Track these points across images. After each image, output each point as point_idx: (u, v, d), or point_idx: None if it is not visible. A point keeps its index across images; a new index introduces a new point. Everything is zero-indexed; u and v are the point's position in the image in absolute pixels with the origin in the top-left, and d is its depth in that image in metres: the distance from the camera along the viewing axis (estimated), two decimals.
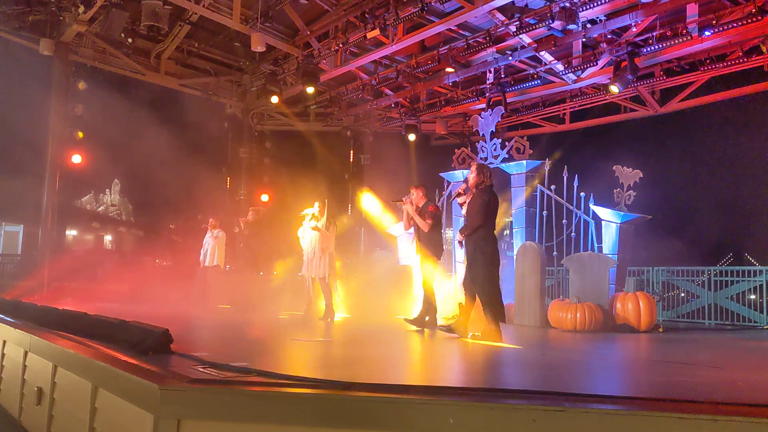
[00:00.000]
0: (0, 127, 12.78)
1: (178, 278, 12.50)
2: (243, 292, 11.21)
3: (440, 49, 12.67)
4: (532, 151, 10.30)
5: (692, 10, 9.83)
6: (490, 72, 13.14)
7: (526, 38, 11.22)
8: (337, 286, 9.95)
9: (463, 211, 6.87)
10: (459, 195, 7.06)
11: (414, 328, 7.63)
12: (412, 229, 8.24)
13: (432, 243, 7.87)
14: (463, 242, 6.82)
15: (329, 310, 9.19)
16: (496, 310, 6.46)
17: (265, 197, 16.97)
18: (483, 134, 11.21)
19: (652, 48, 10.46)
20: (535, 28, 10.44)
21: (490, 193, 6.65)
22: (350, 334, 7.55)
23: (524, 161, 10.28)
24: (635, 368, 5.07)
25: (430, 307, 7.81)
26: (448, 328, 6.80)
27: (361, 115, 16.72)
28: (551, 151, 12.14)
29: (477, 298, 6.63)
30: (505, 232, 11.29)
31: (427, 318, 7.77)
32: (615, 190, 9.38)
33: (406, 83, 13.77)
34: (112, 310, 7.37)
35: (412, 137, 15.62)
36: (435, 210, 7.93)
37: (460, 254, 10.52)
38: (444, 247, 10.32)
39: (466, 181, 7.02)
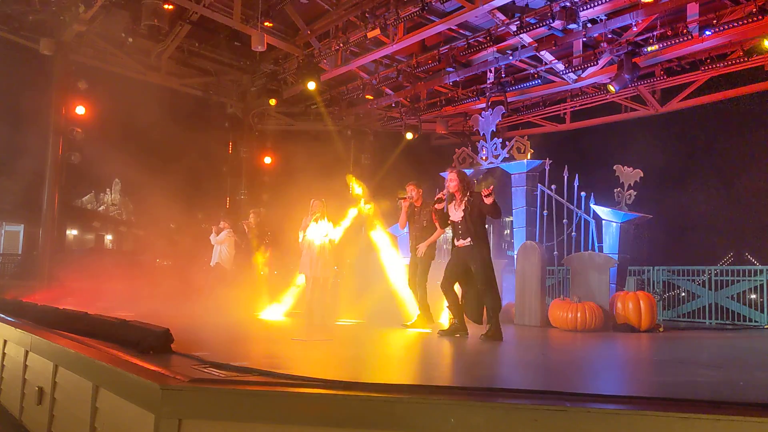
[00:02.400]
0: (0, 126, 12.78)
1: (180, 277, 12.49)
2: (243, 292, 11.22)
3: (441, 49, 12.67)
4: (532, 151, 10.30)
5: (693, 10, 9.83)
6: (491, 71, 13.14)
7: (526, 38, 11.22)
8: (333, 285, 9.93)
9: (455, 217, 6.77)
10: (440, 201, 6.95)
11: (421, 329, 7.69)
12: (407, 228, 8.29)
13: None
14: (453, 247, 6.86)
15: (328, 310, 9.29)
16: (499, 311, 6.58)
17: (265, 196, 16.92)
18: (483, 134, 11.21)
19: (653, 47, 10.46)
20: (536, 28, 10.44)
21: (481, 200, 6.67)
22: (351, 334, 7.55)
23: (525, 161, 10.28)
24: (636, 368, 5.07)
25: (422, 306, 7.89)
26: (449, 331, 6.80)
27: (361, 114, 16.71)
28: (552, 150, 12.13)
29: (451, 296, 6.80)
30: (505, 232, 11.28)
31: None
32: (615, 190, 9.37)
33: (407, 83, 13.77)
34: (112, 310, 7.37)
35: (409, 136, 15.63)
36: (436, 209, 7.95)
37: None
38: (444, 246, 10.36)
39: (447, 187, 6.92)
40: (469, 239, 6.61)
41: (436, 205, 6.93)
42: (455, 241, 6.81)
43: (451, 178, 6.80)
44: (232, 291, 11.22)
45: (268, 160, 17.35)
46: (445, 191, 6.94)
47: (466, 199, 6.67)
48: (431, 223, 7.68)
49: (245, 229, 11.61)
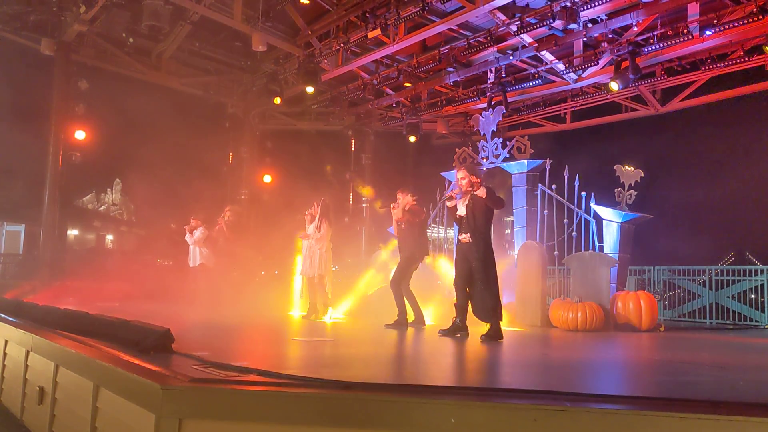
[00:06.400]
0: (1, 126, 12.79)
1: (180, 278, 12.49)
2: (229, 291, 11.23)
3: (441, 49, 12.66)
4: (533, 151, 10.29)
5: (693, 10, 9.82)
6: (491, 71, 13.13)
7: (527, 38, 11.21)
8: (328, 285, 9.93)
9: (460, 212, 6.78)
10: (450, 199, 6.93)
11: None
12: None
13: (412, 242, 8.18)
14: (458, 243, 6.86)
15: (324, 309, 9.33)
16: (499, 310, 6.58)
17: (266, 197, 16.99)
18: (484, 133, 11.20)
19: (654, 47, 10.46)
20: (536, 28, 10.43)
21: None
22: (351, 333, 7.55)
23: (525, 161, 10.27)
24: (636, 368, 5.07)
25: (413, 305, 8.14)
26: (450, 330, 6.78)
27: (362, 114, 16.71)
28: (552, 150, 12.13)
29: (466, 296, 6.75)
30: (506, 232, 11.28)
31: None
32: (616, 190, 9.37)
33: (408, 83, 13.78)
34: (113, 310, 7.38)
35: (412, 139, 15.64)
36: (414, 207, 8.27)
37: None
38: (444, 246, 10.41)
39: (458, 185, 6.90)
40: (469, 235, 6.61)
41: (447, 202, 6.93)
42: (459, 236, 6.84)
43: (462, 176, 6.75)
44: (223, 290, 11.22)
45: (268, 160, 17.39)
46: (457, 189, 6.85)
47: (470, 194, 6.65)
48: (408, 227, 8.23)
49: (222, 225, 11.44)
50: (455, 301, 6.84)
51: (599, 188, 9.80)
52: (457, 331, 6.74)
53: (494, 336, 6.37)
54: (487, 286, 6.53)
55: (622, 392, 3.50)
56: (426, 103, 15.08)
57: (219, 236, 11.51)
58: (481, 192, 6.45)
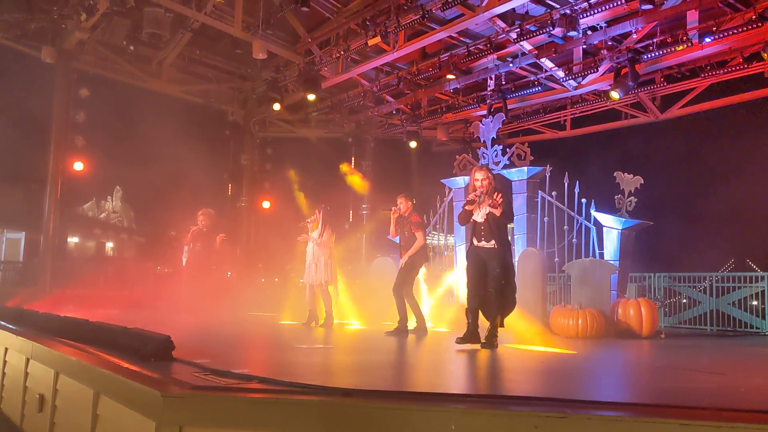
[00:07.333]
0: (1, 133, 12.82)
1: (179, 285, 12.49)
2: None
3: (441, 56, 12.70)
4: (533, 158, 10.31)
5: (692, 17, 9.85)
6: (491, 79, 13.17)
7: (526, 45, 11.24)
8: (338, 292, 9.95)
9: (477, 217, 6.62)
10: (471, 203, 6.57)
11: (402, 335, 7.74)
12: (397, 237, 8.61)
13: (418, 251, 8.19)
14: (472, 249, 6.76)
15: (329, 317, 9.28)
16: (503, 316, 6.60)
17: (266, 203, 17.03)
18: (484, 140, 11.22)
19: (653, 54, 10.49)
20: (536, 35, 10.46)
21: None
22: (351, 340, 7.54)
23: (525, 167, 10.28)
24: (637, 374, 5.07)
25: (415, 312, 8.14)
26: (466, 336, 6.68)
27: (362, 121, 16.74)
28: (552, 157, 12.13)
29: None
30: None
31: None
32: (616, 197, 9.37)
33: (407, 90, 13.82)
34: (113, 317, 7.37)
35: (413, 144, 15.67)
36: (420, 220, 8.34)
37: (461, 260, 10.49)
38: (445, 253, 10.43)
39: (474, 187, 6.71)
40: (493, 242, 6.41)
41: (467, 206, 6.60)
42: (476, 242, 6.54)
43: (483, 177, 6.49)
44: (219, 296, 11.21)
45: (269, 167, 17.42)
46: (478, 192, 6.49)
47: (491, 200, 6.49)
48: (411, 234, 8.19)
49: (202, 227, 11.20)
50: (467, 306, 6.71)
51: (599, 195, 9.81)
52: (470, 338, 6.62)
53: (491, 343, 6.32)
54: (506, 292, 6.49)
55: (623, 399, 3.50)
56: (426, 110, 15.12)
57: (195, 241, 11.35)
58: (497, 211, 6.36)
